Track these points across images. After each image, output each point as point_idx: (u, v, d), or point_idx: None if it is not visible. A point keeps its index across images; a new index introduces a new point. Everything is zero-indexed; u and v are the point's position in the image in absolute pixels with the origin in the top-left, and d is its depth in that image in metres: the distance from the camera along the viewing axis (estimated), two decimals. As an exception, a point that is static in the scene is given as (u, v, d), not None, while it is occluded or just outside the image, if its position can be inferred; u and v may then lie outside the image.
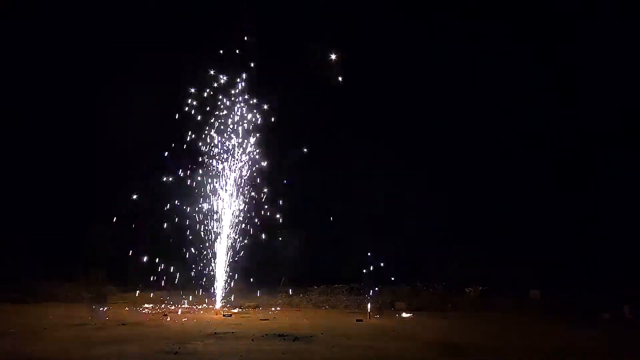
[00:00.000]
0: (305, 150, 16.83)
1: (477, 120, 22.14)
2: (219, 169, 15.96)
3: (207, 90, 16.11)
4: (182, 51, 17.26)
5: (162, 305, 15.67)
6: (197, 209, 15.78)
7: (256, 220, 16.28)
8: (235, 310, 15.12)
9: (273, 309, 15.89)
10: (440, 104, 22.04)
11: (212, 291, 15.76)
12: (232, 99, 16.26)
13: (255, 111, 16.40)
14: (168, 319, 12.90)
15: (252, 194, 16.08)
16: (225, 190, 15.88)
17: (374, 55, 20.92)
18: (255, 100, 16.39)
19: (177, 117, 16.08)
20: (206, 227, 15.73)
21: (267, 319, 13.06)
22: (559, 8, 20.74)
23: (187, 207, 15.79)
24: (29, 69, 20.25)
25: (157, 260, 15.76)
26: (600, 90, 20.11)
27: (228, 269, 15.87)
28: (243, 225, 16.11)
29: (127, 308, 15.04)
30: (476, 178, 22.06)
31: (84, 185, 20.21)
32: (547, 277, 18.46)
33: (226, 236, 15.75)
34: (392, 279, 19.75)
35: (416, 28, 21.52)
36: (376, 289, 19.49)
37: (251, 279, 17.88)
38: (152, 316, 13.50)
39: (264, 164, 16.11)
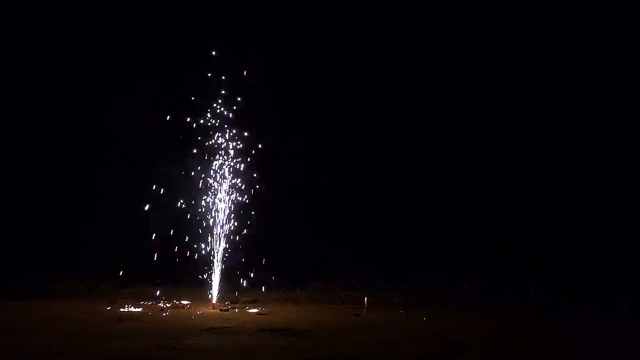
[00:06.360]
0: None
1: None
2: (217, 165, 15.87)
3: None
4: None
5: (160, 301, 15.65)
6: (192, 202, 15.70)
7: (253, 213, 16.21)
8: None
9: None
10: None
11: (209, 286, 15.73)
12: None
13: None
14: (168, 312, 12.94)
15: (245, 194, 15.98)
16: (221, 186, 15.79)
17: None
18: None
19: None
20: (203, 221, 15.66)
21: (264, 314, 13.05)
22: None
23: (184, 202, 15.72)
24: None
25: (155, 256, 15.68)
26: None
27: (224, 264, 15.81)
28: (240, 220, 16.04)
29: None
30: (475, 176, 22.08)
31: (83, 184, 20.22)
32: (545, 273, 18.50)
33: (224, 231, 15.68)
34: (390, 274, 19.78)
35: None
36: (374, 284, 19.50)
37: (249, 274, 17.87)
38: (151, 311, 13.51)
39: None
